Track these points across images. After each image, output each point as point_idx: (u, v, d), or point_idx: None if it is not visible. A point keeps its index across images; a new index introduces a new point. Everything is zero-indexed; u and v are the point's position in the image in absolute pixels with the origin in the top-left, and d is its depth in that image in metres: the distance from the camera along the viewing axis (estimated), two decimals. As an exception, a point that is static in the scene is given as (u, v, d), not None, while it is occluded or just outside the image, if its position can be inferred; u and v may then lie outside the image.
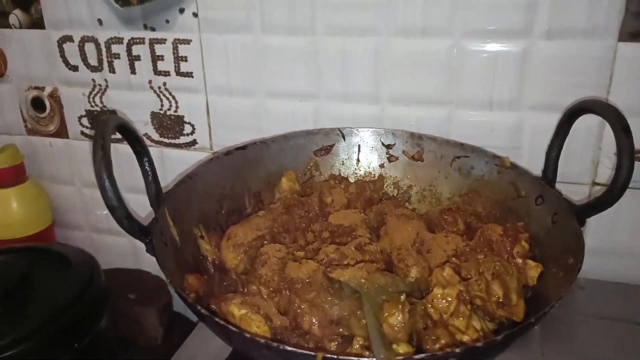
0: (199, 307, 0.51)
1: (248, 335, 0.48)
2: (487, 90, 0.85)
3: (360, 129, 0.88)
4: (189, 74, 0.97)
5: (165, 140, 1.04)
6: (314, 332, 0.62)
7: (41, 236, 1.08)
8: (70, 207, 1.16)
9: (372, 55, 0.87)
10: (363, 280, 0.59)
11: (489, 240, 0.70)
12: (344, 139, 0.88)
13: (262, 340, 0.48)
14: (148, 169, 0.67)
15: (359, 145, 0.88)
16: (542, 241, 0.69)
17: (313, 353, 0.46)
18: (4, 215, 1.04)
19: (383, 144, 0.88)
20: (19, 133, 1.12)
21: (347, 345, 0.58)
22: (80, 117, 1.07)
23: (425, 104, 0.88)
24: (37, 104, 1.09)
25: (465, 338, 0.59)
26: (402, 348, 0.57)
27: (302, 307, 0.63)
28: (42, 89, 1.07)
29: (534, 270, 0.66)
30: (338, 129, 0.88)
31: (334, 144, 0.88)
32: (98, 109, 1.05)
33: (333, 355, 0.46)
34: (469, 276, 0.64)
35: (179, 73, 0.97)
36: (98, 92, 1.04)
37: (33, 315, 0.77)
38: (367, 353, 0.52)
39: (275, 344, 0.47)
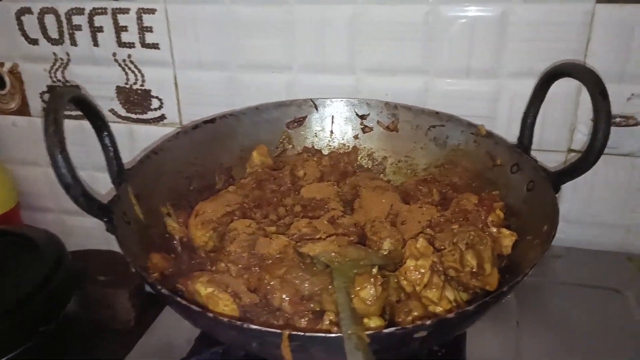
0: (159, 287, 0.49)
1: (211, 315, 0.46)
2: (465, 57, 0.82)
3: (333, 100, 0.85)
4: (154, 46, 0.93)
5: (133, 115, 1.00)
6: (285, 309, 0.60)
7: (5, 218, 1.04)
8: (38, 189, 1.12)
9: (348, 24, 0.84)
10: (334, 254, 0.57)
11: (464, 210, 0.68)
12: (317, 110, 0.85)
13: (225, 320, 0.46)
14: (109, 144, 0.64)
15: (333, 116, 0.86)
16: (518, 210, 0.68)
17: (279, 331, 0.44)
18: (-34, 197, 1.00)
19: (357, 114, 0.85)
20: (-20, 111, 1.07)
21: (318, 321, 0.57)
22: (42, 94, 1.03)
23: (402, 73, 0.85)
24: (-4, 80, 1.04)
25: (438, 309, 0.58)
26: (374, 322, 0.55)
27: (272, 283, 0.61)
28: (2, 64, 1.02)
29: (508, 239, 0.64)
30: (311, 99, 0.85)
31: (306, 116, 0.85)
32: (60, 84, 1.01)
33: (299, 332, 0.44)
34: (443, 247, 0.62)
35: (144, 45, 0.93)
36: (60, 67, 0.99)
37: (-5, 299, 0.75)
38: (336, 329, 0.50)
39: (238, 323, 0.45)
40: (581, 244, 0.87)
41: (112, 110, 1.00)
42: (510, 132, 0.82)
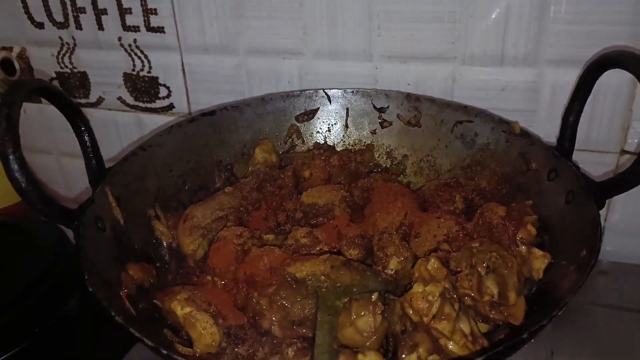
0: (112, 313, 0.42)
1: (164, 352, 0.39)
2: (498, 42, 0.72)
3: (348, 90, 0.76)
4: (160, 29, 0.86)
5: (141, 104, 0.94)
6: (274, 333, 0.53)
7: (16, 209, 1.01)
8: (50, 177, 1.09)
9: (365, 3, 0.74)
10: (323, 277, 0.49)
11: (488, 223, 0.58)
12: (330, 101, 0.77)
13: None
14: (87, 141, 0.58)
15: (347, 109, 0.77)
16: (553, 225, 0.58)
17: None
18: (-26, 187, 0.97)
19: (375, 107, 0.76)
20: (-9, 98, 1.04)
21: (308, 351, 0.49)
22: (51, 80, 0.98)
23: (426, 60, 0.76)
24: (6, 66, 1.00)
25: (450, 345, 0.49)
26: (371, 358, 0.47)
27: (261, 302, 0.53)
28: (10, 49, 0.98)
29: (540, 261, 0.54)
30: (323, 90, 0.76)
31: (318, 108, 0.77)
32: (68, 70, 0.96)
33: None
34: (459, 269, 0.53)
35: (149, 28, 0.86)
36: (67, 52, 0.94)
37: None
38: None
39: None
40: (631, 259, 0.76)
41: (120, 99, 0.95)
42: (550, 131, 0.71)
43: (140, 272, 0.56)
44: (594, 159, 0.73)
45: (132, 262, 0.57)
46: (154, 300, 0.54)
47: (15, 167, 0.45)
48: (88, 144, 0.58)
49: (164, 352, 0.39)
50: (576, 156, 0.64)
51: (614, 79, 0.66)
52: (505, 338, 0.48)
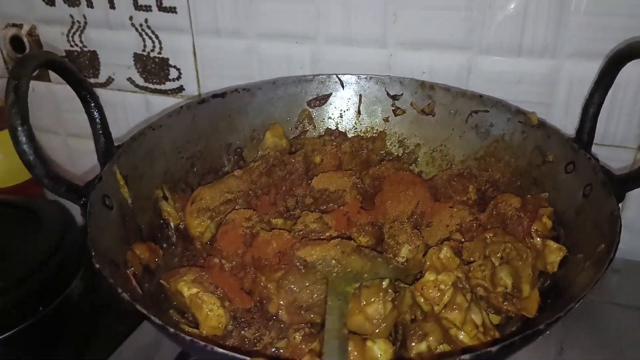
0: (120, 290, 0.41)
1: (172, 331, 0.38)
2: (517, 32, 0.70)
3: (361, 76, 0.75)
4: (172, 9, 0.85)
5: (150, 85, 0.93)
6: (282, 318, 0.52)
7: (25, 187, 1.00)
8: (58, 157, 1.08)
9: (381, -11, 0.73)
10: (334, 262, 0.48)
11: (502, 214, 0.57)
12: (343, 87, 0.75)
13: (188, 338, 0.38)
14: (96, 117, 0.57)
15: (360, 95, 0.75)
16: (570, 219, 0.56)
17: (247, 358, 0.36)
18: (-18, 164, 0.97)
19: (388, 94, 0.75)
20: (1, 75, 1.03)
21: (315, 336, 0.48)
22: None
23: (442, 48, 0.74)
24: (16, 44, 0.99)
25: (461, 335, 0.48)
26: (380, 346, 0.46)
27: (269, 286, 0.53)
28: (20, 26, 0.97)
29: (555, 254, 0.53)
30: (336, 75, 0.75)
31: (330, 93, 0.75)
32: (78, 49, 0.95)
33: (270, 364, 0.35)
34: (472, 259, 0.52)
35: (161, 8, 0.85)
36: (77, 30, 0.93)
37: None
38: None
39: (202, 344, 0.37)
40: (645, 257, 0.74)
41: (129, 79, 0.94)
42: (567, 124, 0.70)
43: (147, 252, 0.55)
44: (611, 154, 0.71)
45: (138, 241, 0.56)
46: (160, 280, 0.53)
47: (23, 139, 0.44)
48: (97, 120, 0.57)
49: (171, 330, 0.38)
50: (593, 150, 0.63)
51: (632, 72, 0.65)
52: (519, 330, 0.47)
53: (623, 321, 0.65)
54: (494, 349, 0.37)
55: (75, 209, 0.80)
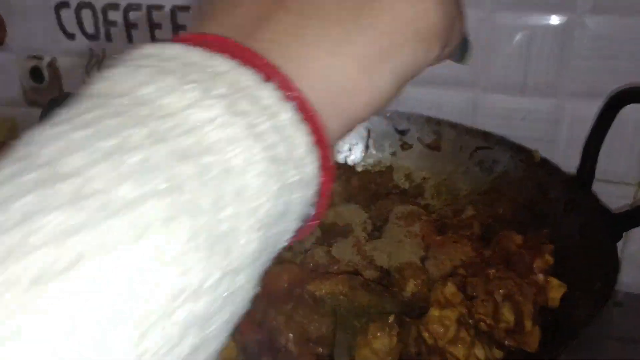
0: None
1: None
2: (521, 71, 0.73)
3: (369, 112, 0.77)
4: (187, 46, 0.88)
5: (165, 117, 0.96)
6: (290, 349, 0.54)
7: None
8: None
9: (387, 28, 0.76)
10: (342, 297, 0.50)
11: (506, 250, 0.59)
12: (351, 122, 0.78)
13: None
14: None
15: (369, 130, 0.78)
16: (569, 256, 0.58)
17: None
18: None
19: (396, 129, 0.77)
20: (19, 105, 1.07)
21: (323, 369, 0.50)
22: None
23: (448, 85, 0.77)
24: (35, 74, 1.03)
25: (465, 370, 0.49)
26: (385, 379, 0.48)
27: (278, 319, 0.54)
28: (41, 58, 1.01)
29: (556, 291, 0.55)
30: (345, 111, 0.78)
31: (339, 128, 0.78)
32: (96, 81, 0.98)
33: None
34: (475, 294, 0.54)
35: (177, 44, 0.89)
36: (96, 63, 0.97)
37: None
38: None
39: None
40: (649, 292, 0.76)
41: (144, 110, 0.97)
42: (570, 161, 0.72)
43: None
44: (612, 190, 0.73)
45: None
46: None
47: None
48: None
49: None
50: (594, 186, 0.65)
51: (633, 113, 0.67)
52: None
53: (624, 355, 0.67)
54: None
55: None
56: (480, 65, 0.74)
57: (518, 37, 0.71)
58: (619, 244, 0.75)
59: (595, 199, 0.59)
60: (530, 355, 0.51)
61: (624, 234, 0.74)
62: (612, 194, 0.73)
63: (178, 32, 0.88)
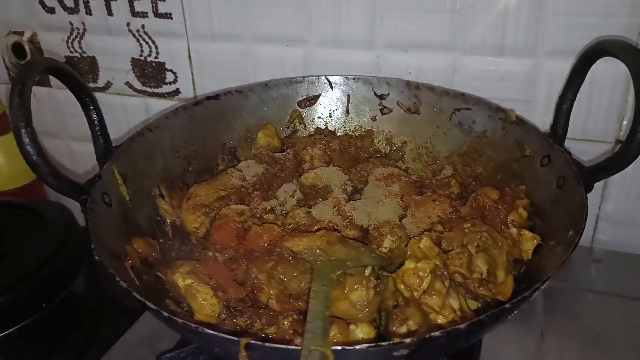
0: (118, 279, 0.45)
1: (165, 315, 0.41)
2: (498, 33, 0.73)
3: (349, 77, 0.78)
4: (167, 15, 0.88)
5: (148, 89, 0.96)
6: (272, 306, 0.55)
7: (28, 190, 1.03)
8: (60, 161, 1.11)
9: (368, -7, 0.76)
10: (319, 251, 0.51)
11: (482, 206, 0.60)
12: (332, 88, 0.78)
13: (180, 321, 0.41)
14: (95, 119, 0.60)
15: (349, 95, 0.79)
16: (545, 209, 0.59)
17: (236, 338, 0.39)
18: (-12, 167, 1.00)
19: (376, 94, 0.78)
20: (3, 82, 1.07)
21: (303, 322, 0.51)
22: (61, 65, 1.01)
23: (427, 49, 0.77)
24: (17, 50, 1.03)
25: (440, 319, 0.51)
26: (362, 330, 0.49)
27: (260, 277, 0.56)
28: (21, 34, 1.01)
29: (529, 243, 0.56)
30: (325, 76, 0.78)
31: (320, 94, 0.79)
32: (78, 55, 0.98)
33: (257, 342, 0.38)
34: (450, 248, 0.55)
35: (157, 14, 0.88)
36: (77, 37, 0.96)
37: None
38: (299, 341, 0.44)
39: (193, 326, 0.40)
40: (626, 248, 0.77)
41: (127, 84, 0.97)
42: (549, 119, 0.73)
43: (145, 246, 0.59)
44: (591, 148, 0.74)
45: (137, 236, 0.59)
46: (157, 273, 0.56)
47: (26, 140, 0.47)
48: (96, 122, 0.60)
49: (165, 314, 0.41)
50: (573, 145, 0.66)
51: (608, 70, 0.68)
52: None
53: (601, 308, 0.68)
54: (462, 325, 0.40)
55: (76, 211, 0.84)
56: (458, 28, 0.74)
57: (495, -2, 0.71)
58: (596, 203, 0.77)
59: (568, 154, 0.59)
60: (503, 304, 0.52)
61: (600, 194, 0.77)
62: (590, 152, 0.74)
63: (157, 3, 0.87)
